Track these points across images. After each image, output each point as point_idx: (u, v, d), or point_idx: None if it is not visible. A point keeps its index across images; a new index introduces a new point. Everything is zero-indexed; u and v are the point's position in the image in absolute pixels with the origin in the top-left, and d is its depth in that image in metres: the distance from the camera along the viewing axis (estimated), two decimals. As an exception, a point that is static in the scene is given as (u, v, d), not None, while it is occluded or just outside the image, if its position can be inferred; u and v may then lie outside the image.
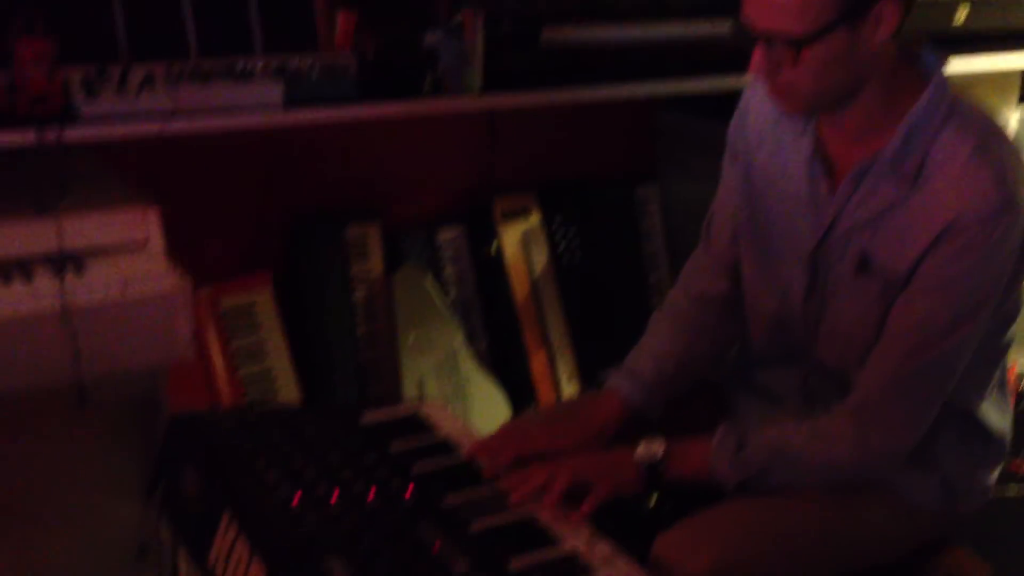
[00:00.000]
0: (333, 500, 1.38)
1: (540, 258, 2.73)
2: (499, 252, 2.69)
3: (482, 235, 2.69)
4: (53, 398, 1.78)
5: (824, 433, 1.43)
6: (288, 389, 2.43)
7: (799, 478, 1.45)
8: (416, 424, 1.66)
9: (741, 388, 1.68)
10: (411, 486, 1.43)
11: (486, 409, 2.61)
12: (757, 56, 1.37)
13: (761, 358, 1.64)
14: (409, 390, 2.55)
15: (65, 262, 1.75)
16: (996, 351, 1.50)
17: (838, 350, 1.50)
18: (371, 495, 1.40)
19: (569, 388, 2.73)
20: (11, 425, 1.91)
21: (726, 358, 1.69)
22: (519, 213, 2.71)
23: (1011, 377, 2.47)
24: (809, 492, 1.46)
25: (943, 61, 1.43)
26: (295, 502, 1.36)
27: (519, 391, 2.69)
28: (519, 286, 2.70)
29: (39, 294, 1.68)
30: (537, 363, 2.72)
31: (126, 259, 1.80)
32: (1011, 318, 1.48)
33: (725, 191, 1.63)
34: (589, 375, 2.72)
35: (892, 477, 1.48)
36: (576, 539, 1.35)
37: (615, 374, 1.63)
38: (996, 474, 1.59)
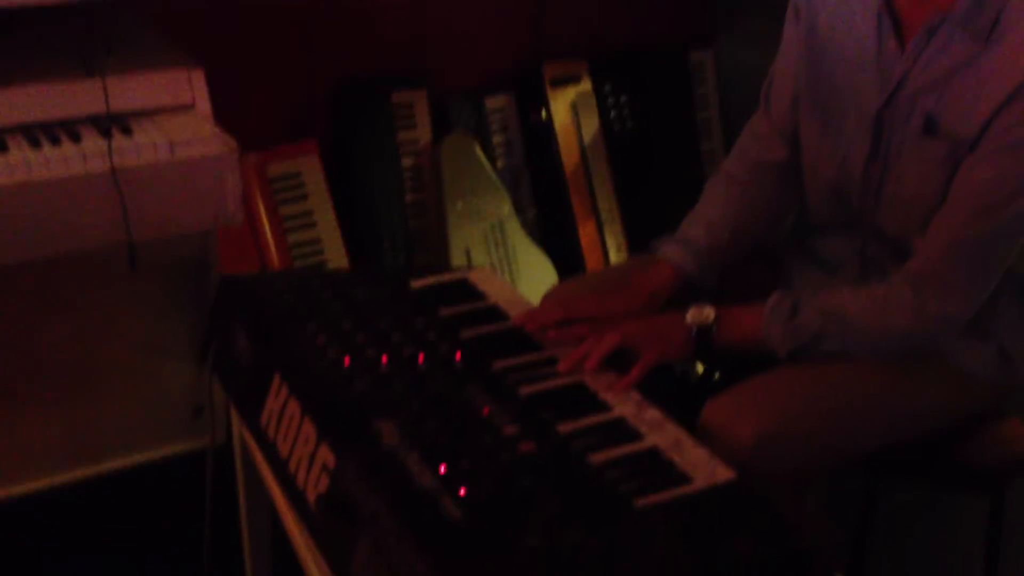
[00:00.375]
0: (383, 364, 1.38)
1: (590, 126, 2.68)
2: (548, 120, 2.64)
3: (531, 102, 2.65)
4: (105, 261, 1.79)
5: (881, 299, 1.41)
6: (336, 257, 2.44)
7: (854, 346, 1.43)
8: (465, 290, 1.65)
9: (797, 257, 1.65)
10: (460, 351, 1.43)
11: (533, 279, 2.61)
12: None
13: (818, 226, 1.60)
14: (456, 259, 2.55)
15: (112, 124, 1.74)
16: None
17: (899, 217, 1.46)
18: (420, 359, 1.40)
19: (618, 258, 2.72)
20: (66, 289, 1.94)
21: (782, 227, 1.65)
22: (569, 80, 2.66)
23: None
24: (862, 360, 1.44)
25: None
26: (345, 365, 1.37)
27: (567, 261, 2.68)
28: (568, 155, 2.67)
29: (87, 155, 1.68)
30: (586, 233, 2.70)
31: (173, 121, 1.80)
32: None
33: (786, 52, 1.57)
34: (638, 245, 2.70)
35: (948, 345, 1.46)
36: (625, 405, 1.35)
37: (668, 242, 1.61)
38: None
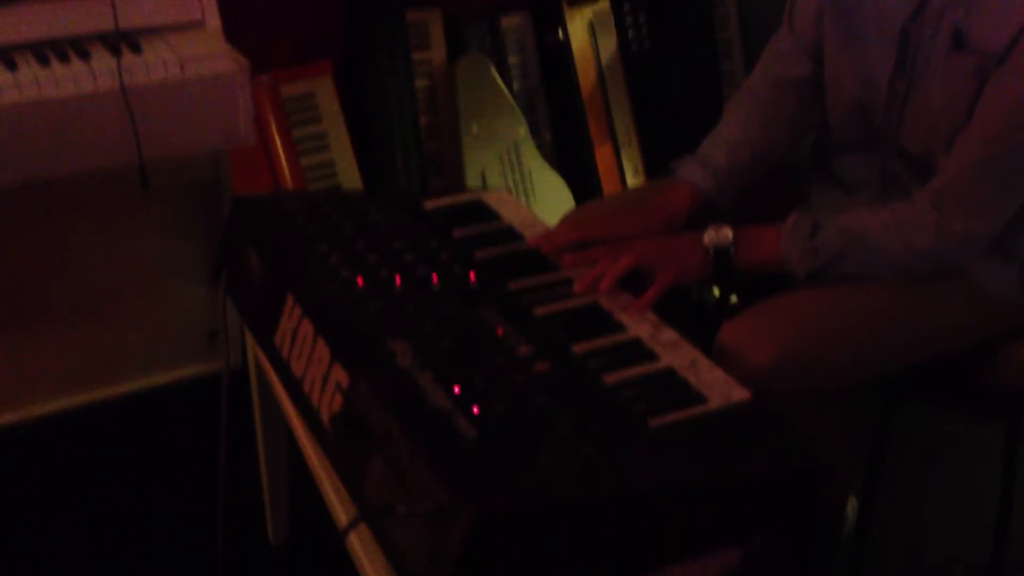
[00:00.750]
0: (396, 284, 1.37)
1: (608, 46, 2.63)
2: (565, 40, 2.59)
3: (548, 22, 2.59)
4: (118, 182, 1.78)
5: (903, 218, 1.38)
6: (350, 180, 2.42)
7: (874, 266, 1.40)
8: (479, 211, 1.64)
9: (816, 177, 1.62)
10: (474, 272, 1.42)
11: (549, 202, 2.58)
12: None
13: (840, 145, 1.57)
14: (471, 182, 2.53)
15: (121, 41, 1.71)
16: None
17: (923, 134, 1.43)
18: (434, 280, 1.39)
19: (635, 182, 2.69)
20: (80, 211, 1.93)
21: (802, 146, 1.62)
22: (586, -2, 2.60)
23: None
24: (882, 280, 1.42)
25: None
26: (358, 285, 1.36)
27: (583, 185, 2.65)
28: (585, 76, 2.62)
29: (97, 73, 1.66)
30: (602, 156, 2.66)
31: (183, 39, 1.77)
32: None
33: (810, -35, 1.52)
34: (656, 168, 2.67)
35: (970, 265, 1.44)
36: (640, 326, 1.34)
37: (686, 162, 1.58)
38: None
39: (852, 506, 1.77)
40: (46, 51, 1.71)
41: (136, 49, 1.74)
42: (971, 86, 1.34)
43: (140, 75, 1.68)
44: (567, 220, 1.63)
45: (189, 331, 2.10)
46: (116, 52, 1.70)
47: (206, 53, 1.74)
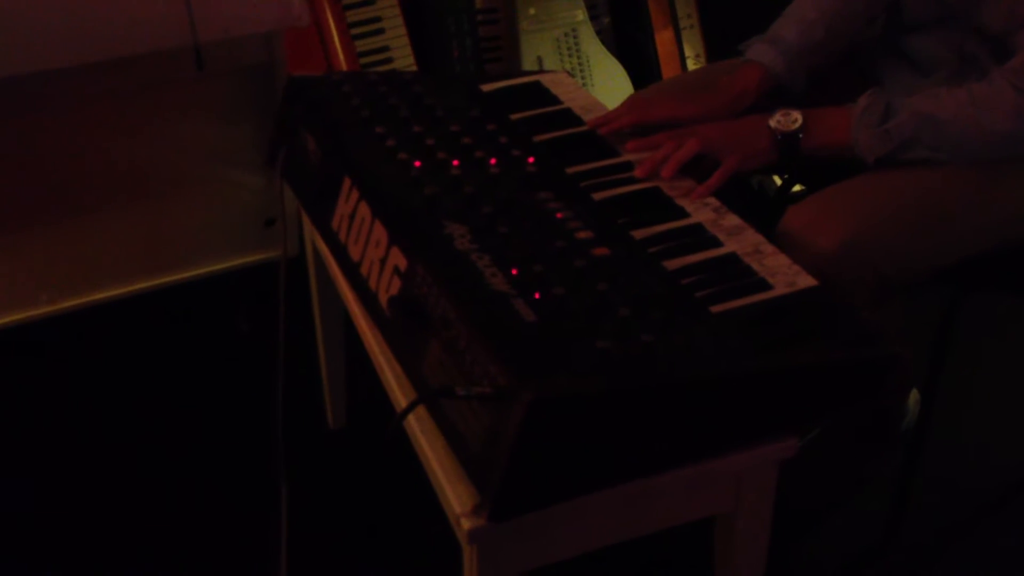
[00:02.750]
0: (454, 167, 1.35)
1: (670, -76, 2.54)
2: (626, -82, 2.50)
3: (608, -102, 2.50)
4: (172, 64, 1.76)
5: (980, 99, 1.32)
6: (405, 66, 2.39)
7: (948, 150, 1.35)
8: (537, 93, 1.60)
9: (888, 59, 1.56)
10: (532, 155, 1.39)
11: (607, 89, 2.53)
12: None
13: (915, 22, 1.50)
14: (528, 67, 2.48)
15: (173, -82, 1.68)
16: None
17: (1003, 11, 1.35)
18: (492, 163, 1.37)
19: (696, 66, 2.61)
20: (134, 96, 1.92)
21: (876, 25, 1.55)
22: None
23: None
24: (953, 164, 1.37)
25: None
26: (416, 167, 1.34)
27: (642, 71, 2.59)
28: (646, -45, 2.53)
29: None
30: (663, 41, 2.59)
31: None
32: None
33: None
34: (718, 55, 2.59)
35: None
36: (702, 212, 1.31)
37: (756, 42, 1.52)
38: None
39: (914, 399, 1.75)
40: (98, -70, 1.68)
41: (188, -73, 1.70)
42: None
43: (194, -48, 1.65)
44: (628, 102, 1.58)
45: (246, 218, 2.10)
46: (168, -70, 1.67)
47: (260, -69, 1.70)
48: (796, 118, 1.37)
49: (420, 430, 1.11)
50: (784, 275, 1.18)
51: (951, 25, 1.45)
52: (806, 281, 1.17)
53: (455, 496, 1.03)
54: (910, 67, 1.53)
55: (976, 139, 1.34)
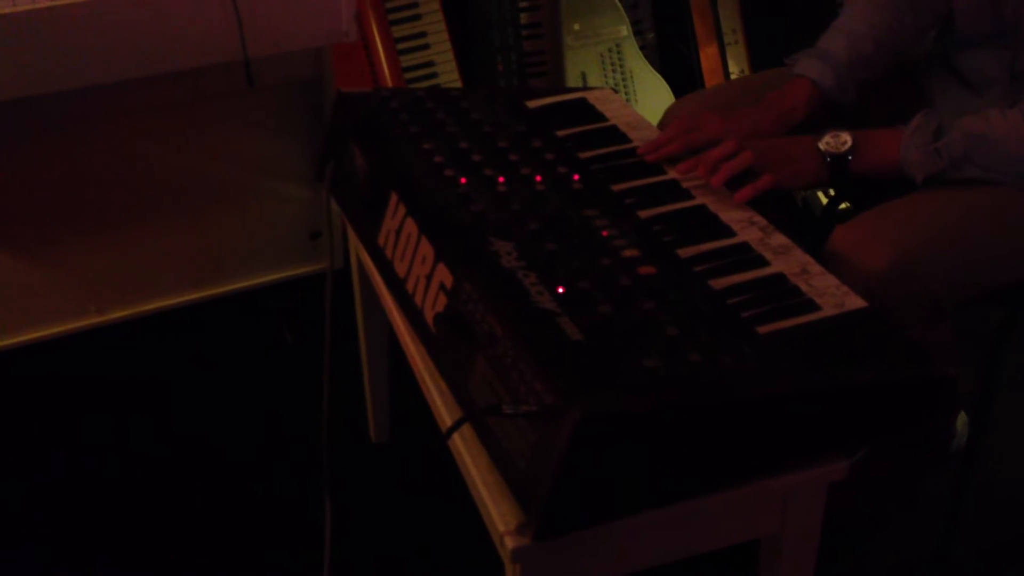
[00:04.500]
0: (500, 184, 1.35)
1: (716, -61, 2.53)
2: (671, -66, 2.50)
3: (654, -85, 2.50)
4: (222, 79, 1.78)
5: (1033, 120, 1.30)
6: (450, 81, 2.40)
7: (999, 170, 1.33)
8: (583, 110, 1.60)
9: (940, 75, 1.54)
10: (578, 172, 1.39)
11: (651, 105, 2.53)
12: None
13: (966, 39, 1.48)
14: (572, 83, 2.48)
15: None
16: None
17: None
18: (538, 180, 1.37)
19: (741, 83, 2.60)
20: (184, 110, 1.94)
21: (926, 41, 1.54)
22: None
23: None
24: (1002, 186, 1.35)
25: None
26: (462, 184, 1.35)
27: (686, 86, 2.58)
28: (692, -29, 2.53)
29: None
30: (707, 56, 2.58)
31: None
32: None
33: None
34: (762, 69, 2.57)
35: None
36: (749, 231, 1.30)
37: (804, 56, 1.51)
38: None
39: (962, 421, 1.72)
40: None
41: (239, -56, 1.73)
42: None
43: (245, -31, 1.67)
44: (672, 114, 1.57)
45: (292, 231, 2.12)
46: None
47: (308, -50, 1.71)
48: (846, 140, 1.36)
49: (464, 447, 1.11)
50: (832, 296, 1.17)
51: (1004, 42, 1.43)
52: (855, 302, 1.16)
53: (499, 515, 1.03)
54: (961, 84, 1.51)
55: (1028, 160, 1.32)
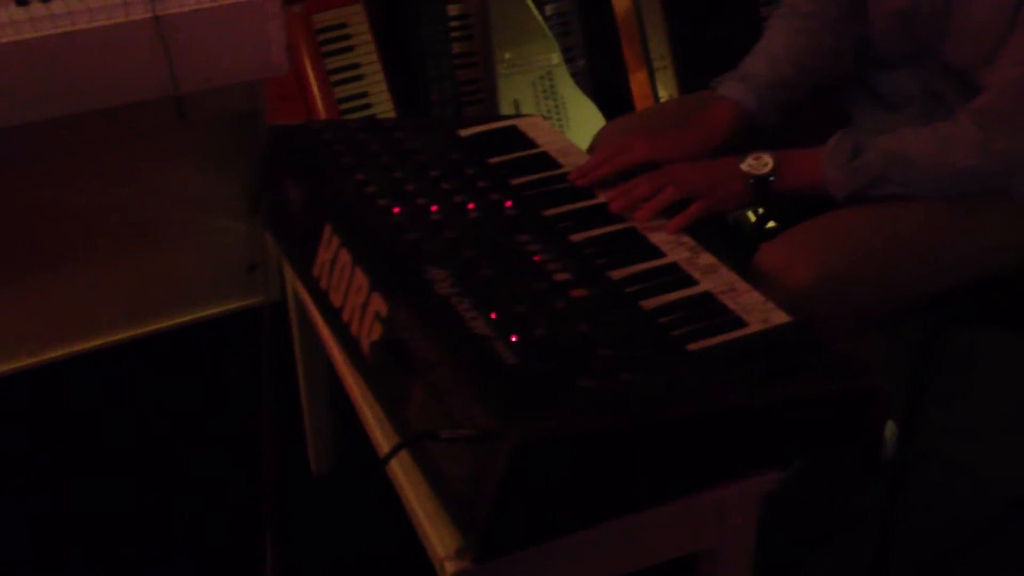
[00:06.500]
0: (433, 212, 1.37)
1: (642, -33, 2.58)
2: (598, -38, 2.54)
3: (580, -56, 2.55)
4: (153, 114, 1.78)
5: (946, 137, 1.35)
6: (384, 111, 2.41)
7: (916, 187, 1.38)
8: (514, 137, 1.62)
9: (858, 95, 1.59)
10: (510, 199, 1.41)
11: (583, 130, 2.56)
12: None
13: (883, 60, 1.54)
14: (505, 111, 2.51)
15: (151, -30, 1.71)
16: None
17: (966, 49, 1.39)
18: (471, 208, 1.39)
19: (670, 106, 2.65)
20: (116, 145, 1.94)
21: (845, 62, 1.59)
22: (620, -82, 2.55)
23: None
24: (921, 201, 1.39)
25: None
26: (395, 214, 1.36)
27: (618, 112, 2.61)
28: (619, -1, 2.58)
29: (129, 3, 1.65)
30: (637, 82, 2.63)
31: (214, -33, 1.75)
32: None
33: None
34: (691, 93, 2.62)
35: (1012, 182, 1.41)
36: (677, 251, 1.33)
37: (727, 78, 1.55)
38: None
39: (891, 431, 1.76)
40: (79, -18, 1.70)
41: (167, -21, 1.73)
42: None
43: (172, 4, 1.67)
44: (601, 139, 1.60)
45: (228, 265, 2.12)
46: (148, -18, 1.70)
47: (238, -18, 1.72)
48: (767, 161, 1.40)
49: (403, 474, 1.12)
50: (759, 312, 1.20)
51: (919, 62, 1.48)
52: (780, 318, 1.19)
53: (438, 539, 1.04)
54: (879, 103, 1.56)
55: (942, 176, 1.37)
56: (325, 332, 1.38)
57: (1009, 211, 1.42)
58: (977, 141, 1.33)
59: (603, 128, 1.69)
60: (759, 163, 1.40)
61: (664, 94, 2.64)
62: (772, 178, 1.40)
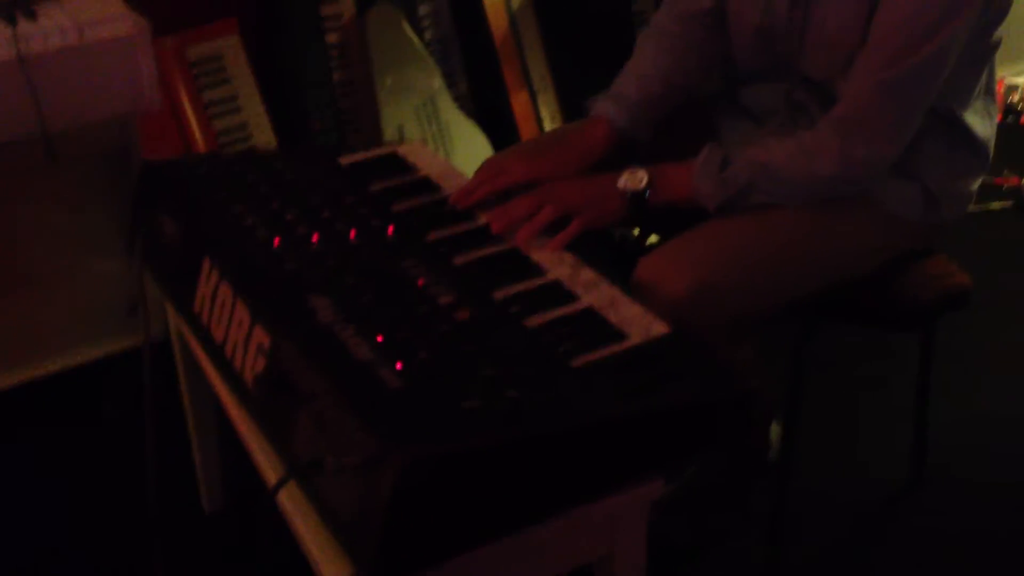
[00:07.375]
0: (314, 241, 1.36)
1: (517, -9, 2.62)
2: (474, -14, 2.57)
3: (456, -31, 2.57)
4: (22, 154, 1.74)
5: (808, 147, 1.41)
6: (265, 142, 2.39)
7: (781, 195, 1.43)
8: (395, 164, 1.63)
9: (726, 109, 1.65)
10: (392, 224, 1.42)
11: (468, 154, 2.58)
12: None
13: (745, 75, 1.59)
14: (389, 137, 2.51)
15: (15, 8, 1.67)
16: (982, 52, 1.45)
17: (823, 61, 1.45)
18: (352, 235, 1.39)
19: (552, 127, 2.69)
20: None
21: (712, 78, 1.64)
22: (494, -58, 2.58)
23: (999, 89, 2.43)
24: (791, 208, 1.44)
25: None
26: (275, 244, 1.35)
27: (501, 134, 2.65)
28: (497, 21, 2.60)
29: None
30: (519, 103, 2.66)
31: (79, 2, 1.72)
32: (998, 18, 1.42)
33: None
34: (573, 113, 2.67)
35: (874, 187, 1.47)
36: (559, 268, 1.35)
37: (600, 99, 1.59)
38: (978, 183, 1.57)
39: (775, 431, 1.81)
40: (-63, 24, 1.65)
41: (31, 16, 1.69)
42: (863, 11, 1.37)
43: (37, 43, 1.63)
44: (483, 169, 1.62)
45: (109, 305, 2.07)
46: (11, 21, 1.66)
47: (104, 16, 1.69)
48: (642, 177, 1.44)
49: (292, 506, 1.11)
50: (639, 324, 1.23)
51: (780, 75, 1.54)
52: (660, 328, 1.22)
53: (330, 569, 1.03)
54: (747, 117, 1.62)
55: (807, 184, 1.42)
56: (209, 368, 1.36)
57: (871, 217, 1.48)
58: (837, 149, 1.39)
59: (486, 160, 1.71)
60: (635, 178, 1.44)
61: (546, 114, 2.67)
62: (647, 193, 1.43)
